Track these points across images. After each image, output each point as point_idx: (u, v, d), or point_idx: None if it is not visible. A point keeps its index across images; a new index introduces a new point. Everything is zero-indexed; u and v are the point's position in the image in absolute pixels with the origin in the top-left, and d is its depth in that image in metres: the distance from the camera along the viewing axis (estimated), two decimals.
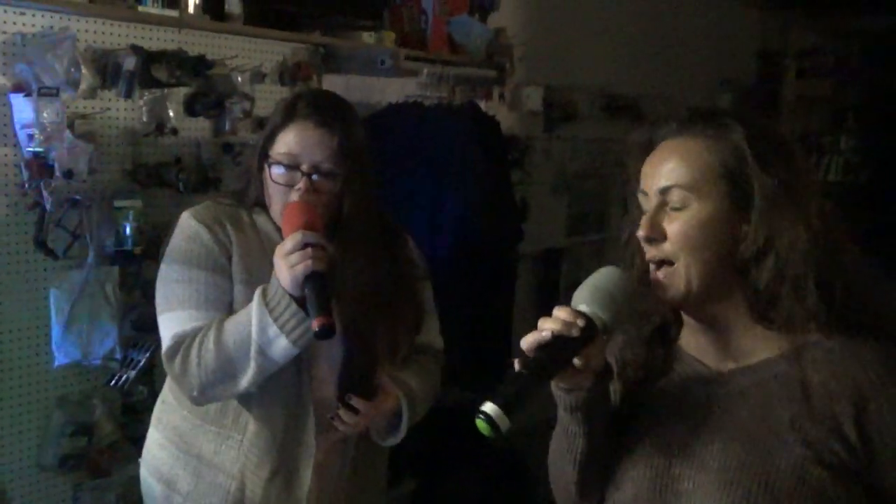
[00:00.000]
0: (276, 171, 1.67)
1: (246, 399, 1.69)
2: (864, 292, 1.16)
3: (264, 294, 1.56)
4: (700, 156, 1.16)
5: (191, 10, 2.64)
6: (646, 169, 1.21)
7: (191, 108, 2.71)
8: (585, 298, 1.13)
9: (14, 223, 2.35)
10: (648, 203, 1.20)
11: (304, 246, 1.52)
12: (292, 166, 1.65)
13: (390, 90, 3.23)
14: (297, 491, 1.71)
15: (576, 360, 1.10)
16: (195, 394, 1.65)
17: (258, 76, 2.89)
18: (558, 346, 1.09)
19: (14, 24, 2.30)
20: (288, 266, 1.52)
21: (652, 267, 1.18)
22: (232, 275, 1.68)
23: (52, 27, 2.35)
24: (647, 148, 1.23)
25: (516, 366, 1.09)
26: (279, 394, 1.68)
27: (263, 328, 1.55)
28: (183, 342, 1.64)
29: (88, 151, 2.37)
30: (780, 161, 1.15)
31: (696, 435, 1.17)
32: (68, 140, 2.34)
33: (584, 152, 4.65)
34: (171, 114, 2.65)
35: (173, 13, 2.59)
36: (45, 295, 2.43)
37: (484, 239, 2.97)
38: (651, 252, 1.17)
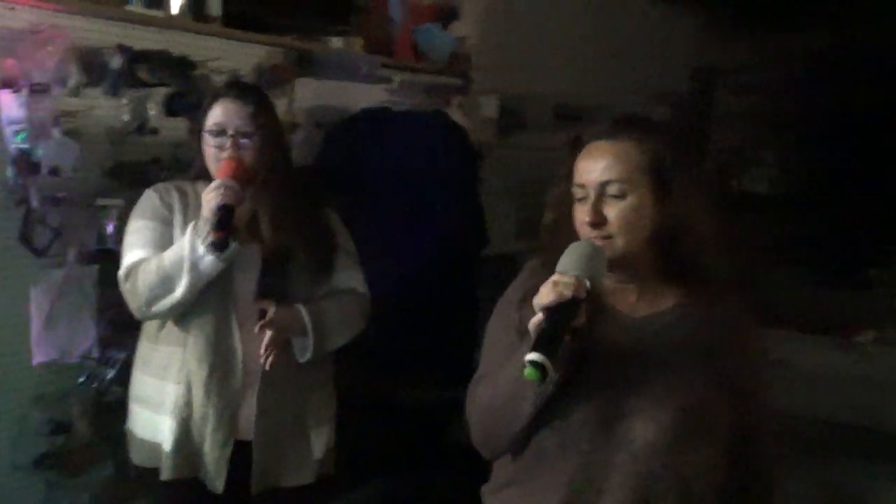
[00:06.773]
0: (210, 140, 2.11)
1: (183, 319, 2.09)
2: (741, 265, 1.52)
3: (195, 225, 2.02)
4: (630, 155, 1.43)
5: (175, 10, 2.66)
6: (581, 166, 1.46)
7: (170, 107, 2.72)
8: (576, 266, 1.34)
9: None
10: (585, 193, 1.45)
11: (220, 186, 1.98)
12: (221, 132, 2.10)
13: (361, 96, 3.27)
14: (233, 382, 2.09)
15: (580, 317, 1.31)
16: (142, 307, 2.06)
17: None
18: (570, 306, 1.30)
19: (2, 17, 2.28)
20: (206, 201, 1.99)
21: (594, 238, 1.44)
22: (174, 226, 2.12)
23: (40, 23, 2.33)
24: (578, 145, 1.49)
25: (541, 323, 1.29)
26: (208, 310, 2.08)
27: (194, 247, 1.99)
28: (132, 269, 2.07)
29: (75, 149, 2.37)
30: (691, 162, 1.47)
31: (628, 369, 1.43)
32: (56, 137, 2.33)
33: (535, 160, 4.75)
34: (152, 113, 2.65)
35: (159, 13, 2.61)
36: (25, 292, 2.41)
37: (455, 243, 3.04)
38: (595, 233, 1.43)
